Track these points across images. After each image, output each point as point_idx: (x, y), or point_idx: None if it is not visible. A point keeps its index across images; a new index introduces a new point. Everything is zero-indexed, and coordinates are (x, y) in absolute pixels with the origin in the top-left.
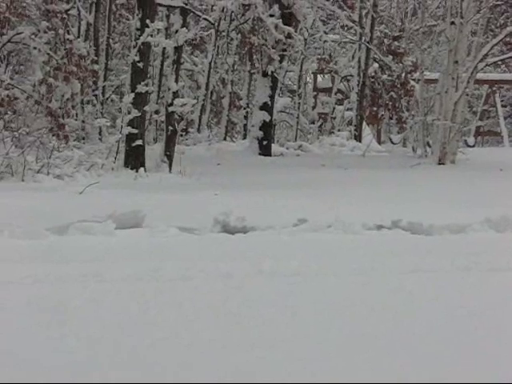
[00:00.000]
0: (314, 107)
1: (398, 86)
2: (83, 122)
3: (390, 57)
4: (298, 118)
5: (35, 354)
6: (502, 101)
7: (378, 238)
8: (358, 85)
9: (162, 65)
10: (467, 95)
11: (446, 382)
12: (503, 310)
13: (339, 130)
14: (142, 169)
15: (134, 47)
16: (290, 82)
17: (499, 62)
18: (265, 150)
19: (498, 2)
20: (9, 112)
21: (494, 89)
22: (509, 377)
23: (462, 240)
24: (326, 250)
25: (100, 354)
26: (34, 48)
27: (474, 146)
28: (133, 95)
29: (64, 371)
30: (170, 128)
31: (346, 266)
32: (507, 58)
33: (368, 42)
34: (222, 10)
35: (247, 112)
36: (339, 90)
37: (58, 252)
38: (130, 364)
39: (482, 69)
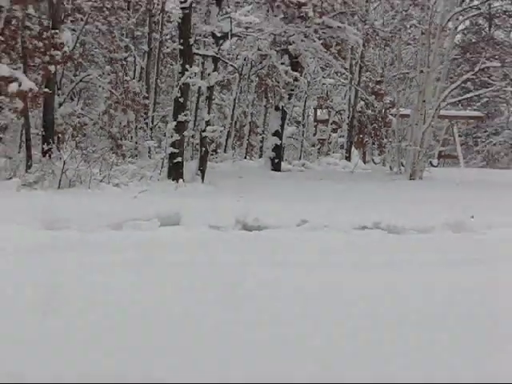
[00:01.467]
0: (314, 134)
1: (379, 119)
2: (136, 143)
3: (373, 96)
4: (301, 142)
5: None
6: (458, 132)
7: (362, 237)
8: (348, 117)
9: (197, 100)
10: (432, 127)
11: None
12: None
13: (333, 152)
14: (181, 180)
15: (177, 86)
16: (296, 115)
17: (457, 102)
18: (276, 167)
19: (456, 56)
20: (79, 135)
21: (453, 122)
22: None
23: (427, 238)
24: (324, 246)
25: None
26: (100, 86)
27: (437, 166)
28: (175, 123)
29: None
30: (203, 149)
31: (341, 259)
32: (462, 100)
33: (356, 85)
34: (245, 59)
35: (263, 137)
36: (334, 122)
37: (113, 243)
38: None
39: (444, 107)
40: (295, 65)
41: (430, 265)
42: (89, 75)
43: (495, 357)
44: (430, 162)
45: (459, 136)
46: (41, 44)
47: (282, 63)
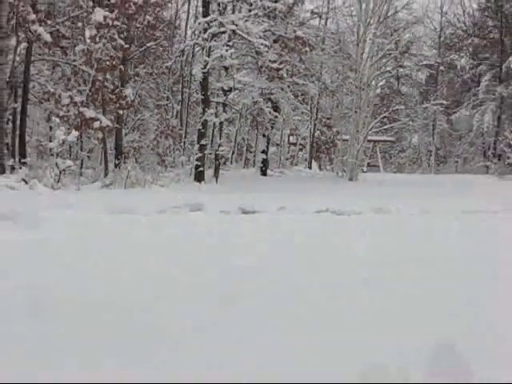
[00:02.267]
0: (288, 152)
1: (330, 142)
2: (174, 158)
3: (326, 128)
4: (280, 157)
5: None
6: (379, 149)
7: (316, 217)
8: (309, 141)
9: (213, 130)
10: (363, 147)
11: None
12: None
13: (300, 163)
14: (202, 182)
15: (199, 122)
16: (276, 139)
17: (378, 131)
18: (264, 173)
19: (377, 103)
20: (138, 154)
21: (376, 144)
22: None
23: (358, 218)
24: (296, 227)
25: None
26: (150, 122)
27: (366, 172)
28: (198, 145)
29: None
30: (217, 162)
31: (302, 234)
32: (381, 129)
33: (315, 120)
34: (243, 104)
35: (255, 154)
36: (300, 144)
37: (158, 223)
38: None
39: (370, 134)
40: (275, 108)
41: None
42: (143, 115)
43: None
44: (362, 169)
45: (380, 152)
46: (113, 96)
47: (267, 107)
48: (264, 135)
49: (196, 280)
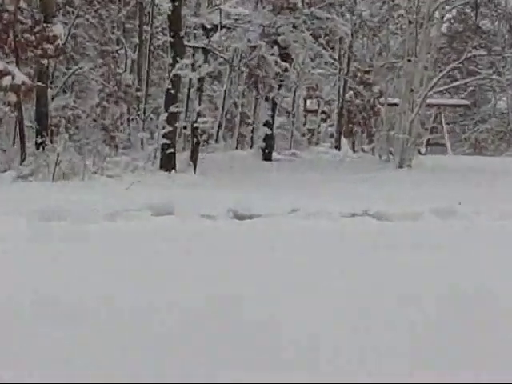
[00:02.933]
0: (304, 124)
1: (368, 108)
2: (129, 135)
3: (362, 86)
4: (292, 132)
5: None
6: (446, 120)
7: (349, 225)
8: (337, 107)
9: (188, 91)
10: (420, 115)
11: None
12: None
13: (323, 142)
14: (173, 171)
15: (168, 78)
16: (286, 105)
17: (444, 91)
18: (267, 156)
19: (443, 45)
20: (73, 127)
21: (440, 111)
22: None
23: (416, 225)
24: (310, 236)
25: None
26: (92, 79)
27: (425, 154)
28: (166, 114)
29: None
30: (195, 140)
31: (331, 243)
32: (449, 88)
33: (345, 75)
34: (235, 51)
35: (253, 127)
36: (323, 111)
37: (108, 233)
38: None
39: (431, 95)
40: (285, 56)
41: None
42: (81, 68)
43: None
44: (419, 151)
45: (447, 124)
46: (33, 38)
47: (272, 54)
48: (267, 99)
49: None
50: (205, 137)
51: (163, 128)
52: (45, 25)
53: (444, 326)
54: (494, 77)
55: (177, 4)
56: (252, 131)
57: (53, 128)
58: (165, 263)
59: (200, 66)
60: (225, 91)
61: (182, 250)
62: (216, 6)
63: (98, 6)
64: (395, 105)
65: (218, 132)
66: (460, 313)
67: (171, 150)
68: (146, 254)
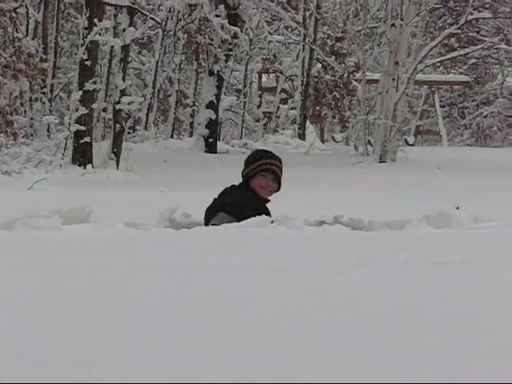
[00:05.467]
0: (259, 106)
1: (341, 85)
2: (32, 119)
3: (333, 57)
4: (243, 116)
5: None
6: (440, 101)
7: (320, 234)
8: (301, 84)
9: (109, 63)
10: (407, 95)
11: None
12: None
13: (283, 129)
14: (89, 165)
15: (82, 46)
16: (235, 81)
17: (438, 64)
18: (210, 148)
19: (437, 6)
20: None
21: (433, 89)
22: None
23: (401, 235)
24: (271, 246)
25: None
26: None
27: (413, 145)
28: (81, 93)
29: None
30: (118, 125)
31: (290, 261)
32: (445, 60)
33: (311, 43)
34: (169, 10)
35: (194, 110)
36: (283, 90)
37: (3, 247)
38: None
39: (422, 70)
40: (234, 18)
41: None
42: None
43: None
44: (405, 140)
45: (441, 107)
46: None
47: (217, 16)
48: (212, 73)
49: None
50: (130, 122)
51: (76, 110)
52: None
53: None
54: (501, 46)
55: None
56: (192, 115)
57: None
58: (68, 285)
59: (124, 31)
60: (157, 63)
61: (94, 268)
62: None
63: None
64: (375, 81)
65: (147, 116)
66: None
67: (87, 139)
68: (44, 272)
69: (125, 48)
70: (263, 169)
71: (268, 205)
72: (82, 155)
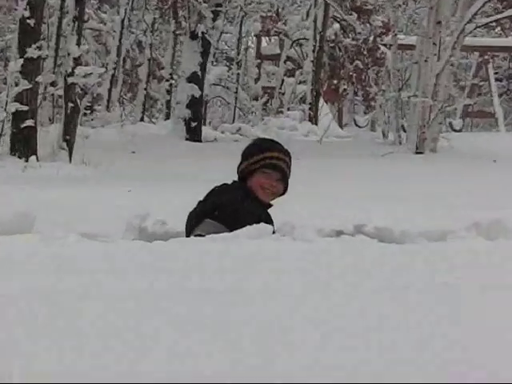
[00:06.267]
0: (257, 79)
1: (365, 52)
2: None
3: (355, 15)
4: (236, 92)
5: None
6: (496, 73)
7: (336, 249)
8: (313, 51)
9: (59, 22)
10: (452, 65)
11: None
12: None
13: (289, 109)
14: (33, 157)
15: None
16: (226, 47)
17: (493, 24)
18: (193, 134)
19: None
20: None
21: (487, 57)
22: None
23: (442, 249)
24: (271, 264)
25: None
26: None
27: (460, 131)
28: (21, 61)
29: None
30: (71, 105)
31: (294, 284)
32: (503, 19)
33: None
34: None
35: (171, 85)
36: (289, 58)
37: None
38: None
39: (471, 32)
40: None
41: None
42: None
43: None
44: (450, 124)
45: (498, 80)
46: None
47: None
48: (195, 36)
49: None
50: (87, 100)
51: (16, 85)
52: None
53: None
54: None
55: None
56: (169, 91)
57: None
58: None
59: None
60: (122, 22)
61: (29, 297)
62: None
63: None
64: (411, 47)
65: (110, 92)
66: None
67: (30, 123)
68: None
69: (79, 2)
70: (266, 164)
71: (270, 210)
72: (23, 144)
